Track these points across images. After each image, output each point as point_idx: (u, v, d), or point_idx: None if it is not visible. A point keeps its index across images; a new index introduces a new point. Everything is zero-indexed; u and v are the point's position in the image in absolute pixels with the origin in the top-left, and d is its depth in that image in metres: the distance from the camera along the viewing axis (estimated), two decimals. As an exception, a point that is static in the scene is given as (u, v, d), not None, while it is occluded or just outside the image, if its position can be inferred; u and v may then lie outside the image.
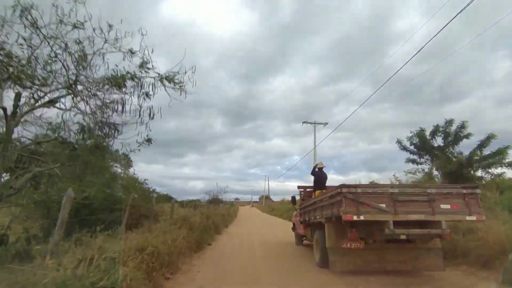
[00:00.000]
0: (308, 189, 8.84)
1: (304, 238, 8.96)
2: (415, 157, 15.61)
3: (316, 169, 8.86)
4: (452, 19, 7.07)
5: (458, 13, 6.83)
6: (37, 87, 4.79)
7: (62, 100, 5.09)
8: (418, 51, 8.86)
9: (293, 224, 10.42)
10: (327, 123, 25.45)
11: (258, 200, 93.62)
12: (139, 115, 5.29)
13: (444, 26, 7.37)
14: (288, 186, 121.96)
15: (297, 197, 10.44)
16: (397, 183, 12.61)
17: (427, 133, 14.92)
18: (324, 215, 5.49)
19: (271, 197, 71.68)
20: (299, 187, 8.91)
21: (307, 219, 7.25)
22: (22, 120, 5.02)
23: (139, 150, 5.58)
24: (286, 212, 24.09)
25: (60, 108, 5.09)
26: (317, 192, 8.36)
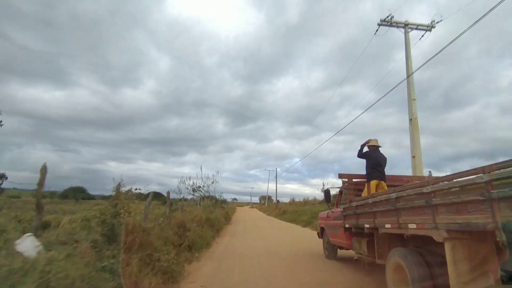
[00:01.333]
0: (355, 179, 5.78)
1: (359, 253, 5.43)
2: None
3: (366, 149, 5.85)
4: (466, 30, 6.57)
5: (472, 25, 6.40)
6: None
7: None
8: (433, 57, 7.75)
9: (321, 228, 7.47)
10: (433, 25, 11.75)
11: (258, 201, 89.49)
12: None
13: (459, 36, 6.78)
14: (289, 189, 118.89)
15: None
16: None
17: None
18: (449, 224, 2.45)
19: (278, 198, 53.45)
20: (340, 175, 5.81)
21: (367, 226, 4.23)
22: None
23: None
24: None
25: None
26: (372, 183, 5.34)
